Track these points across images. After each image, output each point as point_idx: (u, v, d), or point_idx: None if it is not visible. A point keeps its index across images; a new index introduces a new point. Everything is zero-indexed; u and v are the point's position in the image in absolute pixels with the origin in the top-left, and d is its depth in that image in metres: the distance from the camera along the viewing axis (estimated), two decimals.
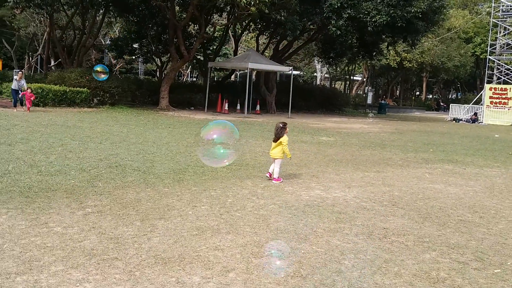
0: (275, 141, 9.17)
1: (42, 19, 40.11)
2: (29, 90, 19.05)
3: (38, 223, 5.67)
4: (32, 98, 19.39)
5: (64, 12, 33.96)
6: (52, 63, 41.23)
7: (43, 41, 42.69)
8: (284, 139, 9.07)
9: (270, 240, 5.54)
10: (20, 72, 22.40)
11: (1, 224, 5.55)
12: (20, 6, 28.61)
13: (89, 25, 33.40)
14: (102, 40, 45.95)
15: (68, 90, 23.69)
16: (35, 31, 43.76)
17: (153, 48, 34.19)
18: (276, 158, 9.09)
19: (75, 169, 8.86)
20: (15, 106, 20.75)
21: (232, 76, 42.80)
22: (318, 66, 55.95)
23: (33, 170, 8.51)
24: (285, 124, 9.24)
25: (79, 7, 31.11)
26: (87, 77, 25.40)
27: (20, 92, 20.84)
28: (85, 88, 24.56)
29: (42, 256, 4.64)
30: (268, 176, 9.20)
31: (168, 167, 9.66)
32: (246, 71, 30.14)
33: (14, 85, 21.07)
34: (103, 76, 20.00)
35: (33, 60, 50.36)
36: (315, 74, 60.98)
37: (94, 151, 11.03)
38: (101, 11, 31.89)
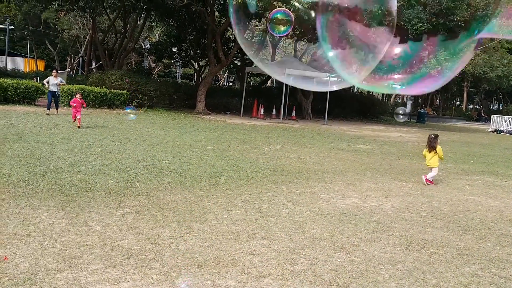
0: (429, 151, 10.44)
1: (85, 22, 41.24)
2: (78, 96, 15.80)
3: (78, 221, 5.78)
4: (84, 105, 15.92)
5: (106, 16, 34.79)
6: (94, 65, 42.26)
7: (85, 43, 43.83)
8: (439, 149, 10.41)
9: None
10: (54, 71, 20.92)
11: (42, 221, 5.69)
12: (64, 9, 29.43)
13: (130, 29, 34.09)
14: (143, 44, 46.84)
15: (108, 92, 24.20)
16: (78, 33, 45.00)
17: (192, 52, 34.62)
18: (434, 167, 10.39)
19: (114, 170, 9.02)
20: (48, 108, 19.15)
21: (269, 82, 42.86)
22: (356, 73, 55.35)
23: (73, 169, 8.71)
24: (437, 135, 10.58)
25: (121, 11, 31.81)
26: (127, 80, 25.92)
27: (57, 93, 19.51)
28: (125, 91, 25.05)
29: (81, 254, 4.73)
30: (428, 183, 10.26)
31: (204, 170, 9.72)
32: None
33: (52, 86, 19.37)
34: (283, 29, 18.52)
35: (75, 62, 51.71)
36: None
37: (132, 152, 11.21)
38: (142, 15, 32.52)
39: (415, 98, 54.69)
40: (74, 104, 15.46)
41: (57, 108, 19.50)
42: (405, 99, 53.79)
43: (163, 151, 11.75)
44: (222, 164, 10.69)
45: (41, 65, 52.94)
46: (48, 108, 19.11)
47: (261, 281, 4.46)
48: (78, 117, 15.17)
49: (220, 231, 5.86)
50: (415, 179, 10.84)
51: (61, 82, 19.87)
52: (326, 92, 29.57)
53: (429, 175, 10.42)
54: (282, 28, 4.50)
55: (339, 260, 5.20)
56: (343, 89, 53.66)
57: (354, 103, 38.16)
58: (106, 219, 5.97)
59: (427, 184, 10.26)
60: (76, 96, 15.80)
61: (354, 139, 20.22)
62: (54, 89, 19.37)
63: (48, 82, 19.46)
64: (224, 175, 9.47)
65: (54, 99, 19.34)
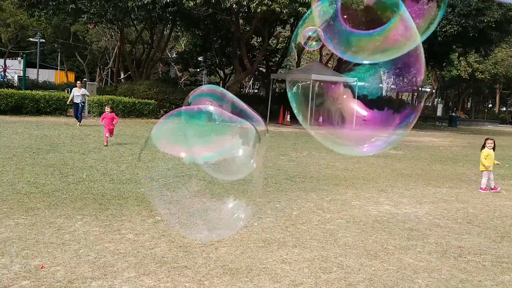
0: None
1: (113, 33, 41.99)
2: (108, 110, 13.95)
3: (111, 229, 5.84)
4: (115, 122, 13.80)
5: (134, 27, 35.36)
6: (122, 75, 42.95)
7: (113, 54, 44.60)
8: (483, 152, 10.27)
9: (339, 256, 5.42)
10: (79, 82, 20.54)
11: (76, 230, 5.77)
12: (93, 22, 30.07)
13: (157, 39, 34.56)
14: (169, 54, 47.42)
15: (136, 101, 24.55)
16: (106, 45, 45.84)
17: (217, 60, 34.88)
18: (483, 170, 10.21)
19: (144, 178, 9.09)
20: (78, 120, 19.03)
21: (294, 88, 42.79)
22: (384, 77, 54.91)
23: (105, 178, 8.83)
24: (487, 139, 10.46)
25: (148, 22, 32.28)
26: (154, 90, 26.25)
27: (81, 104, 19.22)
28: (153, 100, 25.36)
29: (115, 262, 4.77)
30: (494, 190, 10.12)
31: None
32: (309, 82, 30.04)
33: (75, 98, 19.18)
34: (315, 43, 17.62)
35: (104, 73, 52.65)
36: (380, 85, 59.85)
37: (162, 160, 11.29)
38: (168, 26, 32.94)
39: (445, 101, 53.81)
40: (102, 123, 13.84)
41: (79, 120, 19.18)
42: (435, 103, 52.96)
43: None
44: None
45: (72, 77, 54.00)
46: (78, 120, 19.01)
47: None
48: (106, 134, 13.49)
49: (250, 239, 5.83)
50: (449, 185, 10.62)
51: (84, 93, 19.60)
52: (354, 97, 29.30)
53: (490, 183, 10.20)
54: (315, 43, 4.60)
55: (373, 268, 5.12)
56: (371, 93, 53.00)
57: (383, 107, 37.67)
58: (138, 227, 6.02)
59: (495, 191, 10.07)
60: (106, 110, 14.07)
61: None
62: (77, 100, 19.15)
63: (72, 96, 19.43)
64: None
65: (78, 111, 19.22)
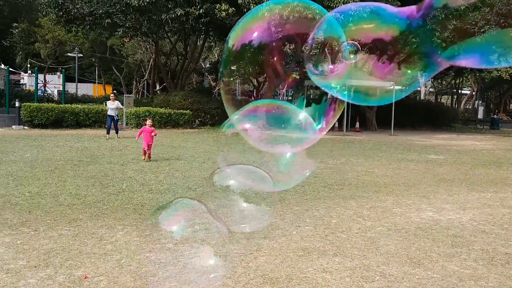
0: None
1: (148, 46, 42.78)
2: (149, 122, 13.34)
3: (151, 239, 5.88)
4: (153, 134, 12.96)
5: (168, 39, 35.94)
6: (158, 87, 43.67)
7: (149, 67, 45.42)
8: None
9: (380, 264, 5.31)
10: (112, 95, 20.11)
11: (118, 240, 5.85)
12: (129, 35, 30.74)
13: (191, 50, 35.00)
14: (202, 64, 47.95)
15: (172, 112, 24.90)
16: (142, 57, 46.75)
17: (250, 69, 35.02)
18: None
19: (182, 188, 9.18)
20: (108, 133, 18.86)
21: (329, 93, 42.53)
22: (422, 80, 53.97)
23: (144, 189, 8.94)
24: None
25: (182, 34, 32.76)
26: (189, 100, 26.56)
27: (115, 117, 18.97)
28: (188, 110, 25.67)
29: (156, 272, 4.80)
30: None
31: None
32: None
33: (109, 110, 19.05)
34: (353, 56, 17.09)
35: (140, 85, 53.65)
36: (418, 88, 58.90)
37: (198, 170, 11.39)
38: (201, 37, 33.34)
39: (486, 103, 52.45)
40: (138, 139, 13.21)
41: (116, 132, 19.09)
42: (476, 105, 51.68)
43: None
44: None
45: (109, 90, 55.28)
46: (108, 133, 18.79)
47: None
48: (145, 148, 12.86)
49: (289, 248, 5.78)
50: (493, 189, 10.30)
51: (118, 105, 19.37)
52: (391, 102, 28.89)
53: None
54: (352, 56, 4.62)
55: (417, 277, 4.98)
56: (408, 97, 52.18)
57: (422, 111, 36.99)
58: (177, 236, 6.04)
59: None
60: (147, 123, 13.35)
61: (424, 149, 19.56)
62: (112, 113, 18.94)
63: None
64: (290, 190, 9.38)
65: (113, 123, 18.95)
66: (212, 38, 33.03)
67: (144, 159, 12.77)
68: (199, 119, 26.60)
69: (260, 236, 6.19)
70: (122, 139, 18.32)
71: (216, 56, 45.91)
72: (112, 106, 18.88)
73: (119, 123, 20.01)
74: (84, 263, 5.01)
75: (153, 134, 13.06)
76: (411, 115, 35.28)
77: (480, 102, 49.96)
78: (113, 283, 4.51)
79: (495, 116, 44.66)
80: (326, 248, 5.85)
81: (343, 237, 6.36)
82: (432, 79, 47.40)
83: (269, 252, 5.58)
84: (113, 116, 18.84)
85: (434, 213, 7.94)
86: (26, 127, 22.01)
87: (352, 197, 8.97)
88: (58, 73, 55.14)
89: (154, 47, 35.61)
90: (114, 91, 22.13)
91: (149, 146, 12.91)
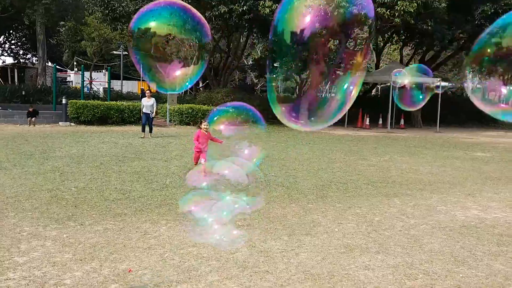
0: None
1: (191, 43, 43.26)
2: (205, 125, 9.98)
3: (195, 234, 5.99)
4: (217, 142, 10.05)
5: (211, 36, 36.27)
6: (201, 84, 44.16)
7: None
8: None
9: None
10: (148, 92, 19.23)
11: (161, 234, 5.98)
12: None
13: (234, 47, 35.18)
14: (245, 61, 48.13)
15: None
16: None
17: (293, 65, 34.91)
18: None
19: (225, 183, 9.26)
20: (143, 131, 18.03)
21: (373, 90, 41.93)
22: (469, 76, 52.49)
23: None
24: None
25: (225, 31, 32.98)
26: (232, 97, 26.74)
27: (151, 116, 18.03)
28: None
29: (199, 266, 4.89)
30: None
31: (311, 183, 9.67)
32: (388, 84, 29.29)
33: (145, 108, 18.08)
34: None
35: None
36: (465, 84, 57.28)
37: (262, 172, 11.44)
38: (244, 33, 33.46)
39: None
40: (197, 143, 10.07)
41: (150, 131, 18.24)
42: None
43: (269, 165, 11.88)
44: (329, 176, 10.57)
45: (153, 88, 56.37)
46: (143, 130, 18.05)
47: None
48: (202, 161, 9.68)
49: (331, 245, 5.76)
50: None
51: (154, 104, 18.31)
52: (437, 98, 28.24)
53: None
54: None
55: (461, 275, 4.88)
56: (455, 93, 50.84)
57: (469, 108, 35.93)
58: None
59: None
60: (202, 127, 10.11)
61: (471, 146, 19.01)
62: (147, 110, 18.07)
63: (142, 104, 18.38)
64: (332, 187, 9.35)
65: (148, 122, 18.15)
66: (255, 35, 33.08)
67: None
68: (242, 116, 26.79)
69: (301, 233, 6.20)
70: (166, 135, 18.63)
71: (259, 52, 46.02)
72: (148, 104, 18.11)
73: (163, 120, 19.86)
74: (128, 257, 5.15)
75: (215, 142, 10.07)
76: (457, 112, 34.32)
77: None
78: (156, 277, 4.62)
79: None
80: (368, 245, 5.80)
81: (386, 234, 6.28)
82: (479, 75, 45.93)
83: (311, 249, 5.58)
84: (149, 113, 18.06)
85: (479, 211, 7.73)
86: (72, 124, 22.65)
87: (395, 195, 8.84)
88: (103, 70, 56.55)
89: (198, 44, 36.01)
90: (149, 89, 21.36)
91: (202, 155, 9.97)
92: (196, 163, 10.21)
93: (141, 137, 17.50)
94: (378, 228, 6.56)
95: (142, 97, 21.59)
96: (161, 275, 4.67)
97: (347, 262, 5.17)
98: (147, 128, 18.15)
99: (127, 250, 5.35)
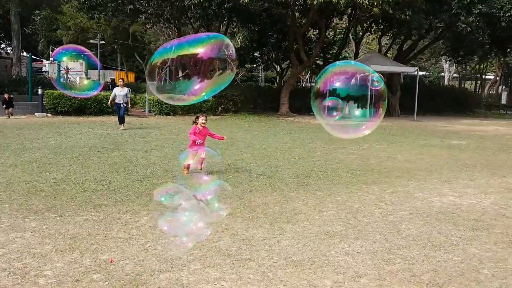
0: None
1: (170, 33, 42.90)
2: (202, 120, 9.42)
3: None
4: (219, 138, 10.01)
5: (190, 25, 35.96)
6: (180, 74, 43.86)
7: None
8: None
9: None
10: (121, 81, 18.48)
11: (143, 224, 5.99)
12: (151, 22, 30.83)
13: None
14: (225, 50, 47.86)
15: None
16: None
17: (273, 55, 34.89)
18: None
19: (205, 174, 9.29)
20: (121, 123, 17.28)
21: (353, 80, 42.09)
22: (446, 66, 53.17)
23: (168, 175, 9.09)
24: None
25: (205, 20, 32.76)
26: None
27: (122, 105, 17.17)
28: (211, 97, 25.74)
29: (181, 255, 4.92)
30: None
31: (292, 172, 9.75)
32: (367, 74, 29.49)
33: (117, 98, 17.19)
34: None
35: (163, 72, 53.92)
36: (442, 74, 58.01)
37: (222, 156, 11.49)
38: (224, 23, 33.28)
39: (510, 88, 51.42)
40: (199, 141, 9.15)
41: (122, 123, 17.39)
42: (499, 90, 50.69)
43: (251, 154, 11.94)
44: (309, 165, 10.67)
45: (132, 77, 55.73)
46: (121, 123, 17.30)
47: (358, 281, 4.41)
48: (202, 155, 8.82)
49: (312, 232, 5.85)
50: None
51: (127, 94, 17.46)
52: (415, 87, 28.58)
53: None
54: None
55: (437, 259, 5.01)
56: (432, 83, 51.32)
57: (445, 97, 36.52)
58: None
59: None
60: (199, 122, 9.36)
61: (447, 134, 19.35)
62: (119, 101, 17.21)
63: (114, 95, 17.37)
64: (312, 176, 9.44)
65: (120, 112, 17.37)
66: (235, 24, 32.94)
67: (201, 168, 9.07)
68: (222, 106, 26.67)
69: (283, 221, 6.27)
70: (145, 126, 18.50)
71: (239, 42, 45.86)
72: (121, 93, 17.27)
73: (142, 110, 19.64)
74: (109, 247, 5.15)
75: (216, 138, 9.82)
76: (434, 100, 34.82)
77: (504, 87, 48.98)
78: (138, 266, 4.63)
79: None
80: (348, 232, 5.90)
81: (365, 221, 6.40)
82: (456, 65, 46.62)
83: (292, 236, 5.66)
84: (121, 104, 17.21)
85: (455, 198, 7.92)
86: (49, 114, 22.31)
87: (374, 182, 8.98)
88: (80, 60, 55.70)
89: (176, 33, 35.70)
90: (122, 78, 20.48)
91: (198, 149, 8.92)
92: (188, 168, 9.11)
93: (123, 129, 16.90)
94: (357, 215, 6.67)
95: (113, 87, 21.11)
96: (143, 264, 4.69)
97: (328, 248, 5.26)
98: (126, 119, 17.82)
99: (108, 241, 5.35)
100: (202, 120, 9.43)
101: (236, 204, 7.08)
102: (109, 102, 17.81)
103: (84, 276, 4.38)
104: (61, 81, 30.62)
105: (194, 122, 9.53)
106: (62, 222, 5.99)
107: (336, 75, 5.73)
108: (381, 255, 5.10)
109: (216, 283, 4.28)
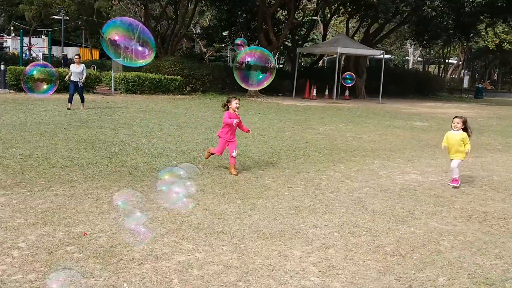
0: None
1: (137, 10, 42.13)
2: (235, 103, 7.83)
3: (148, 199, 6.10)
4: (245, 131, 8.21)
5: (158, 2, 35.39)
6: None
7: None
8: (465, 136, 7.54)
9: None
10: (77, 57, 16.87)
11: (114, 200, 6.04)
12: None
13: (181, 15, 34.55)
14: (193, 29, 47.41)
15: (163, 78, 24.77)
16: None
17: (242, 35, 34.76)
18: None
19: (175, 152, 9.36)
20: (70, 102, 15.85)
21: (320, 62, 42.48)
22: (411, 49, 54.08)
23: (137, 152, 9.11)
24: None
25: None
26: (180, 66, 26.42)
27: (79, 84, 16.00)
28: (179, 76, 25.56)
29: (154, 229, 5.03)
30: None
31: (262, 151, 9.92)
32: (335, 56, 29.83)
33: (73, 75, 15.97)
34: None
35: (129, 50, 52.90)
36: (407, 57, 59.01)
37: (191, 135, 11.55)
38: (193, 0, 32.90)
39: (472, 73, 52.84)
40: (236, 121, 7.76)
41: (82, 101, 16.28)
42: (462, 75, 51.99)
43: None
44: (278, 144, 10.85)
45: (96, 54, 54.61)
46: (69, 101, 15.88)
47: (325, 251, 4.62)
48: (233, 153, 7.70)
49: (282, 207, 6.04)
50: (474, 154, 10.61)
51: (84, 71, 16.25)
52: (380, 70, 29.07)
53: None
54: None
55: (400, 232, 5.28)
56: (397, 66, 52.03)
57: (410, 80, 37.31)
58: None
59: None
60: (232, 106, 7.82)
61: (411, 116, 19.88)
62: (75, 78, 16.00)
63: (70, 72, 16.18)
64: (282, 155, 9.63)
65: (78, 91, 16.14)
66: (204, 2, 32.62)
67: (236, 173, 7.63)
68: (190, 86, 26.51)
69: (253, 197, 6.43)
70: (112, 104, 18.29)
71: (207, 21, 45.42)
72: (76, 70, 16.03)
73: (108, 88, 19.29)
74: (82, 221, 5.19)
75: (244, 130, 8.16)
76: (399, 83, 35.54)
77: (466, 71, 50.30)
78: (112, 239, 4.71)
79: (479, 85, 45.19)
80: (316, 206, 6.12)
81: (332, 197, 6.63)
82: (420, 49, 47.47)
83: (263, 211, 5.83)
84: (77, 82, 16.02)
85: (418, 176, 8.26)
86: (11, 91, 21.77)
87: (341, 161, 9.24)
88: (43, 36, 54.19)
89: (143, 10, 35.10)
90: (78, 54, 18.82)
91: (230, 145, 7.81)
92: (209, 156, 8.13)
93: (68, 108, 15.63)
94: (324, 191, 6.90)
95: (65, 63, 20.13)
96: (116, 237, 4.76)
97: (297, 222, 5.46)
98: (76, 98, 16.11)
99: (80, 215, 5.39)
100: (236, 104, 7.79)
101: (207, 181, 7.20)
102: (66, 77, 16.47)
103: (58, 248, 4.43)
104: (23, 57, 29.81)
105: (225, 106, 7.91)
106: (32, 197, 5.98)
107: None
108: (347, 228, 5.34)
109: (189, 254, 4.42)
